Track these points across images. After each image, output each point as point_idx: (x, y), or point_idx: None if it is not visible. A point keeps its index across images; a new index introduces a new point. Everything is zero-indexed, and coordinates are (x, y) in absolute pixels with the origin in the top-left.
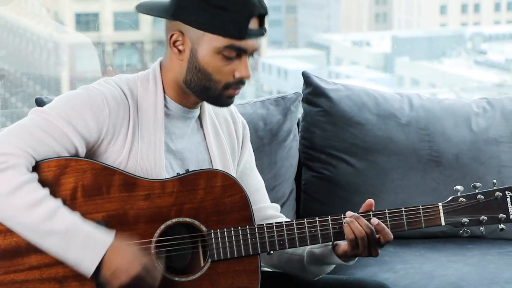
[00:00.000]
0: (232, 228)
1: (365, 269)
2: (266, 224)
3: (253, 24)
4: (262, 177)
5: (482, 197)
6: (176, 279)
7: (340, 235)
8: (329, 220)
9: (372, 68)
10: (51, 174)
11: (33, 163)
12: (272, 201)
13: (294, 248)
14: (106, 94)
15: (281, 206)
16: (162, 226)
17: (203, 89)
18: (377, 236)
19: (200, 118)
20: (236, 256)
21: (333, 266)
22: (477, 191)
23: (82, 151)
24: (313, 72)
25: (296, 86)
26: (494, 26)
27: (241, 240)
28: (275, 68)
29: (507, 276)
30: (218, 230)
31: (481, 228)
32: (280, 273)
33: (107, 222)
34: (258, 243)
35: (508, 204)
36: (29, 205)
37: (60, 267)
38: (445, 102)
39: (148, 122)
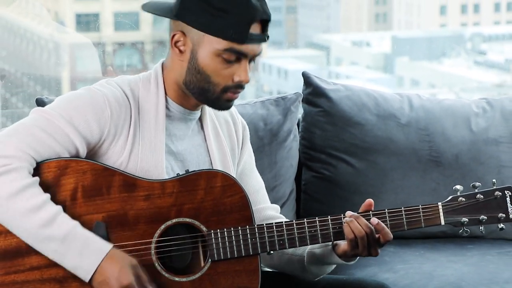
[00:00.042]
0: (232, 228)
1: (365, 269)
2: (266, 224)
3: (255, 29)
4: (262, 177)
5: (482, 196)
6: (177, 279)
7: (340, 235)
8: (329, 220)
9: (372, 69)
10: (51, 175)
11: (34, 165)
12: (272, 201)
13: (294, 248)
14: (108, 95)
15: (281, 206)
16: (162, 227)
17: (201, 91)
18: (377, 235)
19: (201, 120)
20: (236, 256)
21: (334, 266)
22: (476, 190)
23: (83, 152)
24: (313, 72)
25: (296, 87)
26: (493, 27)
27: (241, 240)
28: (275, 69)
29: (507, 276)
30: (218, 230)
31: (480, 228)
32: (280, 273)
33: (107, 223)
34: (258, 243)
35: (508, 204)
36: (29, 210)
37: (60, 268)
38: (445, 103)
39: (149, 124)
